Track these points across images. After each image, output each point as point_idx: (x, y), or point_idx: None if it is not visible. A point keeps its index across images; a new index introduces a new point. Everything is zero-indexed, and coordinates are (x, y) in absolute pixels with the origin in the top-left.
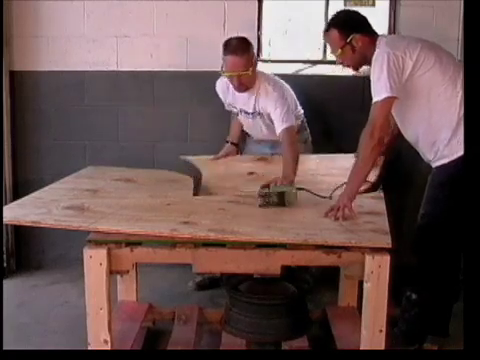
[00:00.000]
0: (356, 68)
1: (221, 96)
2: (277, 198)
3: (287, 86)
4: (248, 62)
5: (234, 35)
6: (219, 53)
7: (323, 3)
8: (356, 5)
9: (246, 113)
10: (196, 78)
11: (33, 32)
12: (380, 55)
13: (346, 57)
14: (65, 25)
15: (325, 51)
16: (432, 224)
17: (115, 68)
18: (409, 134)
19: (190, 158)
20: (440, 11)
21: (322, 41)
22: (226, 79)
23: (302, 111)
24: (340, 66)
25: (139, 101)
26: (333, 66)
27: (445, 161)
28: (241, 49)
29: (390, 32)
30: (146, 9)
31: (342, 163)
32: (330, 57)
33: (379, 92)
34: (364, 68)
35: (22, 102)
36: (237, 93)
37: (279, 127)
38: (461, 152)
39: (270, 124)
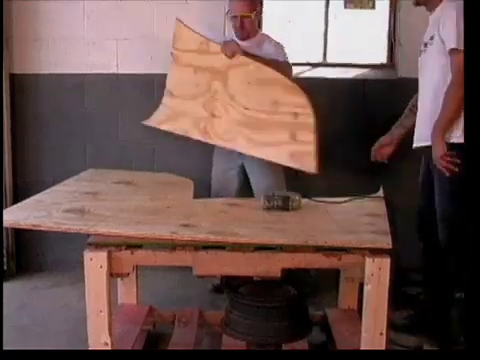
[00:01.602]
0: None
1: None
2: (281, 202)
3: None
4: (252, 6)
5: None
6: None
7: (323, 4)
8: (356, 7)
9: None
10: None
11: (33, 35)
12: (459, 5)
13: None
14: (65, 28)
15: (325, 53)
16: (455, 220)
17: (115, 71)
18: (420, 100)
19: None
20: None
21: (322, 43)
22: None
23: None
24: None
25: (139, 104)
26: (333, 69)
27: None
28: None
29: (390, 35)
30: (146, 11)
31: None
32: (330, 60)
33: (458, 41)
34: (363, 72)
35: (22, 105)
36: (239, 42)
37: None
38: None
39: None
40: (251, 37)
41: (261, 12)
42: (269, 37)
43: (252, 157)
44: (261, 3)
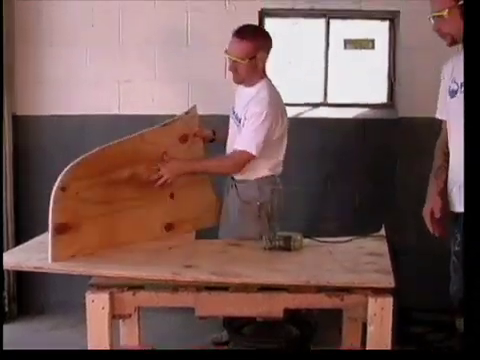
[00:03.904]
0: (453, 42)
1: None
2: (283, 242)
3: (283, 107)
4: (247, 51)
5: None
6: (221, 97)
7: (323, 46)
8: (356, 48)
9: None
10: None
11: (35, 77)
12: None
13: (449, 22)
14: (67, 69)
15: (326, 93)
16: None
17: (117, 112)
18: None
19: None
20: (441, 54)
21: (323, 83)
22: None
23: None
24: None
25: None
26: (334, 109)
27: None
28: (244, 34)
29: (390, 75)
30: (148, 53)
31: None
32: (331, 100)
33: None
34: (363, 111)
35: (24, 146)
36: (241, 92)
37: (238, 144)
38: None
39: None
40: (247, 84)
41: (262, 60)
42: (264, 90)
43: None
44: (268, 50)
